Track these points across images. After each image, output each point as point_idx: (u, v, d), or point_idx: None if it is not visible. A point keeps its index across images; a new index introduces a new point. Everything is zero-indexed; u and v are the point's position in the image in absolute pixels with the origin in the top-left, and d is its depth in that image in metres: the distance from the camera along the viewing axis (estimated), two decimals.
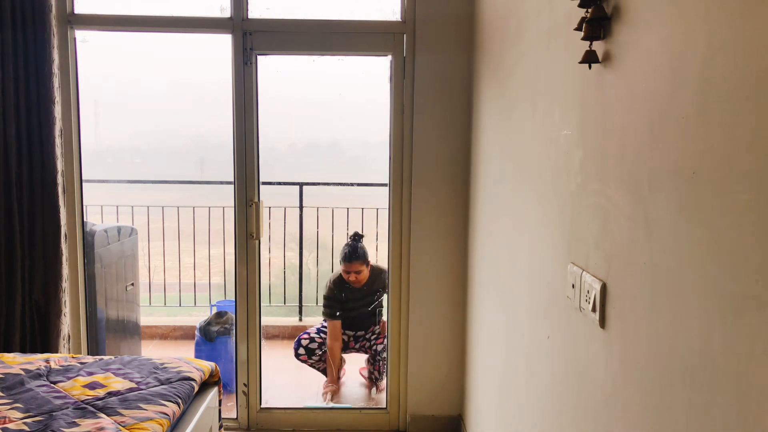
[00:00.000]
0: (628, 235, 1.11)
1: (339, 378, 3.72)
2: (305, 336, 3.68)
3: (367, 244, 3.58)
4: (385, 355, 3.53)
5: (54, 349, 2.71)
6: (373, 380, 3.68)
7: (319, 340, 3.65)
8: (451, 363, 2.98)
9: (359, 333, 3.68)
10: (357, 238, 3.61)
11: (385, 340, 3.53)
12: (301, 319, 4.89)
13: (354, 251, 3.55)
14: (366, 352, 3.72)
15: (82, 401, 1.90)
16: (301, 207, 4.89)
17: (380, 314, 3.68)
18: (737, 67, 0.80)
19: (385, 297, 3.66)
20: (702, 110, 0.88)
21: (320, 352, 3.65)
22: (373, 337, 3.66)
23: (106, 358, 2.31)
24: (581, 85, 1.36)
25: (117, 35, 3.13)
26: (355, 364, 3.80)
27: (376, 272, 3.64)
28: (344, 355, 3.75)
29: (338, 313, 3.61)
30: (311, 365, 3.67)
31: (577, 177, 1.38)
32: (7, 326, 2.66)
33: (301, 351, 3.64)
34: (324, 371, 3.66)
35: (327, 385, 3.63)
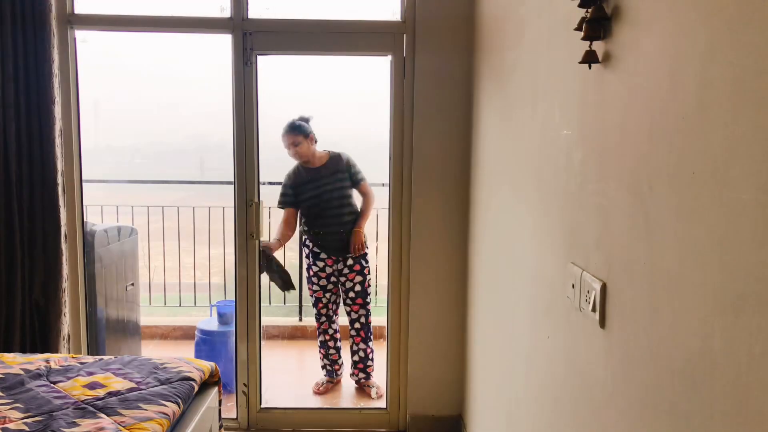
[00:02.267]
0: (628, 235, 1.11)
1: (338, 377, 3.71)
2: (319, 305, 3.58)
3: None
4: (359, 293, 3.52)
5: (54, 349, 2.71)
6: (361, 383, 3.62)
7: (326, 302, 3.57)
8: (451, 363, 2.98)
9: (331, 260, 3.50)
10: (301, 118, 3.47)
11: (362, 275, 3.49)
12: (301, 319, 4.88)
13: (290, 124, 3.43)
14: (338, 292, 3.59)
15: (82, 401, 1.90)
16: None
17: (351, 230, 3.46)
18: (737, 67, 0.80)
19: (361, 172, 3.50)
20: (702, 110, 0.88)
21: (335, 320, 3.61)
22: (343, 271, 3.50)
23: (106, 358, 2.31)
24: (581, 85, 1.36)
25: (117, 35, 3.13)
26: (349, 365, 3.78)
27: (335, 157, 3.49)
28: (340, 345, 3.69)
29: (294, 203, 3.50)
30: (329, 341, 3.61)
31: (577, 177, 1.38)
32: (7, 326, 2.66)
33: (323, 319, 3.59)
34: (329, 369, 3.64)
35: (318, 385, 3.63)
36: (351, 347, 3.61)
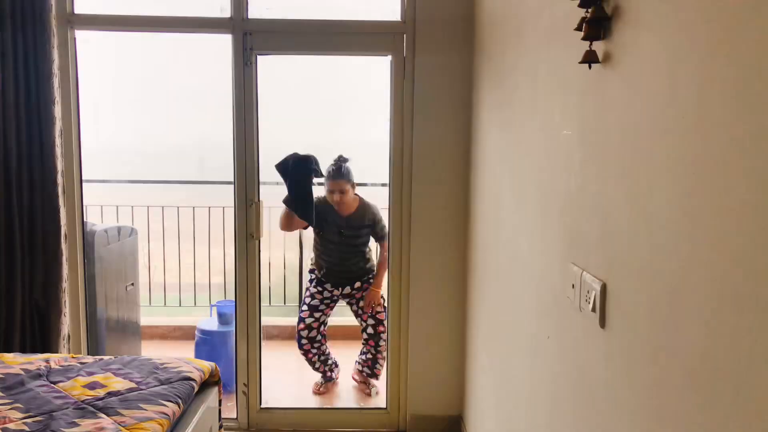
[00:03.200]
0: (628, 235, 1.11)
1: (333, 379, 3.68)
2: (301, 326, 3.51)
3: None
4: (371, 335, 3.45)
5: (54, 349, 2.71)
6: (363, 381, 3.59)
7: (316, 325, 3.48)
8: (451, 363, 2.98)
9: (345, 291, 3.48)
10: (342, 159, 3.36)
11: (375, 319, 3.44)
12: None
13: (338, 169, 3.31)
14: (354, 311, 3.55)
15: (82, 401, 1.90)
16: None
17: (368, 265, 3.48)
18: (737, 67, 0.80)
19: (386, 227, 3.37)
20: (702, 110, 0.88)
21: (320, 338, 3.52)
22: (360, 313, 3.48)
23: (106, 358, 2.31)
24: (581, 85, 1.36)
25: (117, 35, 3.13)
26: (347, 365, 3.77)
27: (365, 205, 3.42)
28: (337, 359, 3.67)
29: (314, 224, 3.35)
30: (313, 358, 3.53)
31: (577, 177, 1.38)
32: (7, 326, 2.66)
33: (304, 341, 3.49)
34: (324, 373, 3.61)
35: (317, 385, 3.62)
36: (362, 349, 3.59)
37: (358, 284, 3.49)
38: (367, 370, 3.57)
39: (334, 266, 3.48)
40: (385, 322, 3.45)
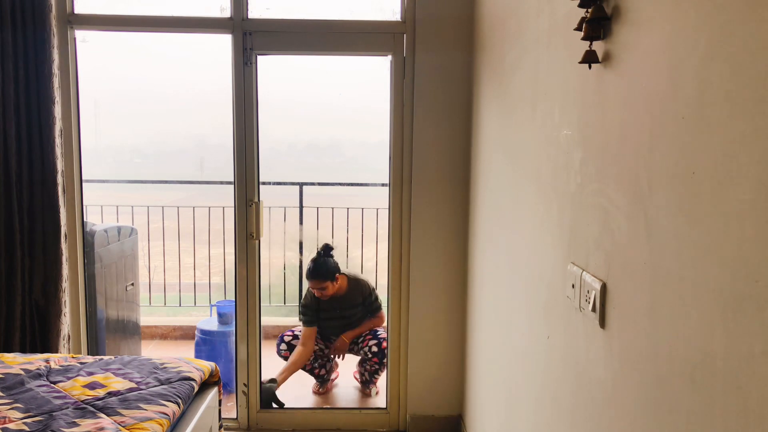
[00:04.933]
0: (628, 235, 1.11)
1: (331, 380, 3.70)
2: (289, 333, 3.61)
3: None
4: (376, 353, 3.47)
5: (54, 349, 2.71)
6: (364, 382, 3.61)
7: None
8: (451, 363, 2.98)
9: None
10: (327, 250, 3.46)
11: (377, 339, 3.48)
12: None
13: (316, 268, 3.42)
14: (357, 353, 3.65)
15: (82, 401, 1.90)
16: (301, 207, 4.89)
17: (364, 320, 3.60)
18: (737, 67, 0.80)
19: (380, 298, 3.59)
20: (702, 110, 0.88)
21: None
22: (359, 340, 3.58)
23: (106, 358, 2.31)
24: (581, 85, 1.36)
25: (117, 35, 3.13)
26: (349, 365, 3.78)
27: (353, 284, 3.52)
28: (338, 360, 3.70)
29: (314, 321, 3.51)
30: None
31: (577, 177, 1.38)
32: (7, 326, 2.66)
33: (283, 347, 3.56)
34: (311, 372, 3.61)
35: (315, 387, 3.64)
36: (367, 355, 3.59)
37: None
38: (367, 376, 3.59)
39: (331, 336, 3.60)
40: (387, 336, 3.43)
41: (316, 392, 3.60)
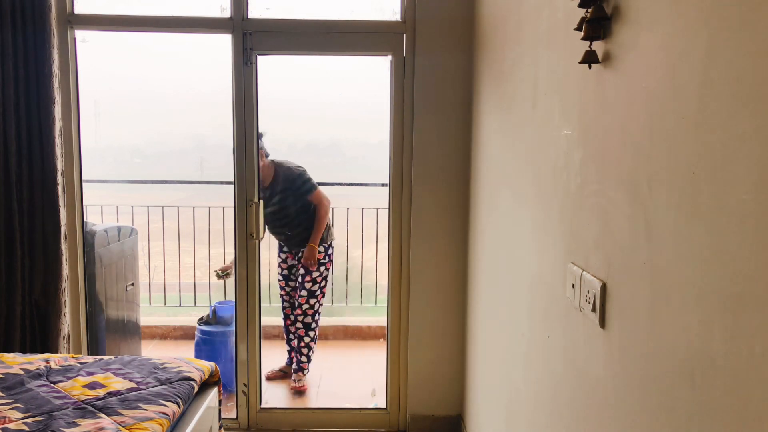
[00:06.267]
0: (628, 235, 1.11)
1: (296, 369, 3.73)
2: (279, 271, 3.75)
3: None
4: (301, 326, 3.59)
5: (54, 349, 2.71)
6: (299, 369, 3.65)
7: (285, 266, 3.70)
8: (451, 363, 2.98)
9: (291, 254, 3.69)
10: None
11: (311, 300, 3.59)
12: None
13: None
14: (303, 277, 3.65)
15: (82, 401, 1.90)
16: None
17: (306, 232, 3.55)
18: (737, 67, 0.80)
19: (311, 180, 3.50)
20: (702, 110, 0.88)
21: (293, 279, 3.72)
22: (302, 271, 3.61)
23: (106, 358, 2.31)
24: (581, 85, 1.36)
25: (117, 35, 3.13)
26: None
27: (280, 171, 3.49)
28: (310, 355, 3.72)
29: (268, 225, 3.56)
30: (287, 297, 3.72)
31: (577, 177, 1.38)
32: (7, 326, 2.65)
33: (280, 278, 3.74)
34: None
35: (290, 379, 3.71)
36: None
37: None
38: (295, 365, 3.67)
39: (284, 233, 3.64)
40: (318, 313, 3.66)
41: (267, 377, 3.69)
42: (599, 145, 1.26)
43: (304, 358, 3.67)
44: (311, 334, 3.66)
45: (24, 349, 2.68)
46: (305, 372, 3.69)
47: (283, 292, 3.76)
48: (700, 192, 0.88)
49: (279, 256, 3.76)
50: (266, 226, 3.54)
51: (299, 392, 3.63)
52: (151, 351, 4.31)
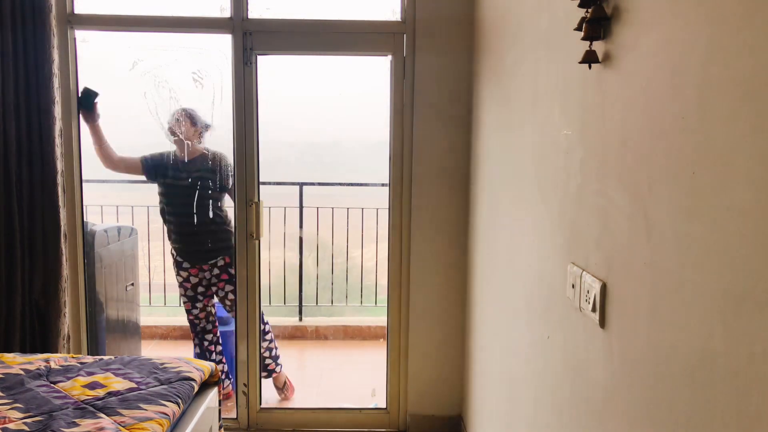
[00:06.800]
0: (628, 235, 1.11)
1: (272, 373, 3.44)
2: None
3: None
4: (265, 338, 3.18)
5: (54, 349, 2.71)
6: (267, 369, 3.34)
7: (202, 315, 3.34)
8: (451, 363, 2.98)
9: (199, 267, 3.29)
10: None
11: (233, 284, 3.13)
12: (301, 319, 4.88)
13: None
14: (221, 300, 3.32)
15: (82, 401, 1.90)
16: (301, 207, 4.89)
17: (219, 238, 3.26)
18: (737, 67, 0.80)
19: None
20: (702, 110, 0.88)
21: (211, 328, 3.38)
22: (216, 273, 3.27)
23: (106, 358, 2.31)
24: (581, 85, 1.36)
25: (118, 35, 3.13)
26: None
27: (201, 154, 3.27)
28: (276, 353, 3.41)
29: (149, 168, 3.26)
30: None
31: (577, 177, 1.38)
32: (7, 326, 2.65)
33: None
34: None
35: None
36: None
37: (217, 270, 3.28)
38: (265, 372, 3.34)
39: (184, 232, 3.31)
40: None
41: (279, 388, 3.43)
42: (599, 145, 1.26)
43: (269, 360, 3.36)
44: (267, 337, 3.34)
45: (24, 349, 2.68)
46: (278, 369, 3.41)
47: (191, 316, 3.41)
48: (700, 192, 0.88)
49: (179, 275, 3.38)
50: (162, 212, 3.32)
51: (286, 388, 3.42)
52: (151, 351, 4.31)
